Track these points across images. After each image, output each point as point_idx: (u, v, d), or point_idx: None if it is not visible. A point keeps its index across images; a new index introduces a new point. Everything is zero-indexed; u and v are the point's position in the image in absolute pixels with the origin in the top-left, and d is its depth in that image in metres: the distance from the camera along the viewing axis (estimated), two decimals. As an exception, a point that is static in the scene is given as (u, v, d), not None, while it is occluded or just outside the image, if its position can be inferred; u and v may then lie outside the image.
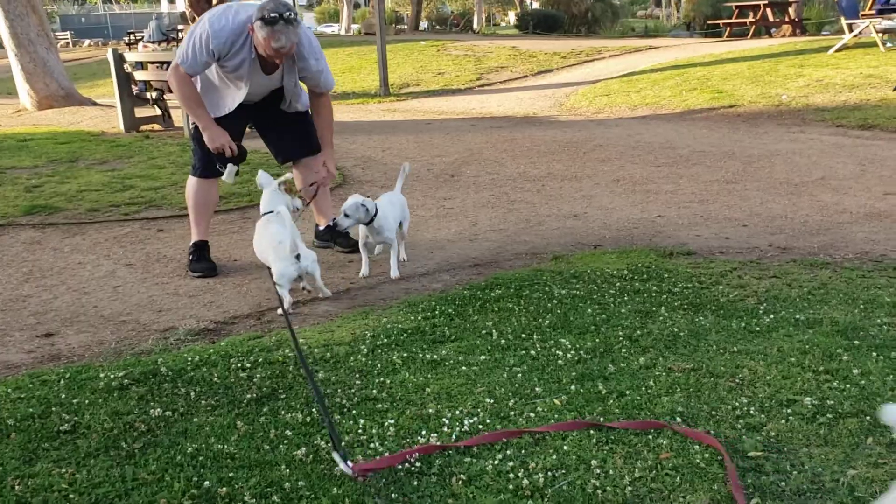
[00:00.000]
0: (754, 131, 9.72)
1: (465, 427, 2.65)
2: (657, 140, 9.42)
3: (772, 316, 3.61)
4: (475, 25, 42.84)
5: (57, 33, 46.65)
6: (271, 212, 4.30)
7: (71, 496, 2.28)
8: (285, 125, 4.91)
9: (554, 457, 2.41)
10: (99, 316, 4.15)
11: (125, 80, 11.54)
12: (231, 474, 2.39)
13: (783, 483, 2.25)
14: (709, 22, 26.91)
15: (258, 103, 4.81)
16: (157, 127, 11.85)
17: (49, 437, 2.66)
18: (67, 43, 43.27)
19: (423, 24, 41.98)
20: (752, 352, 3.20)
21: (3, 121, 13.76)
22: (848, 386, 2.85)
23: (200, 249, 4.88)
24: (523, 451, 2.46)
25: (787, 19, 22.54)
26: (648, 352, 3.26)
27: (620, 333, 3.46)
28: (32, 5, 14.83)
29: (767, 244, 4.99)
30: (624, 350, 3.28)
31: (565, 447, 2.47)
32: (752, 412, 2.70)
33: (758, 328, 3.47)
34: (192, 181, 4.90)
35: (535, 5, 40.72)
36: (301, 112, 4.89)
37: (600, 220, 5.86)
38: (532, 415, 2.72)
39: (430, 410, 2.78)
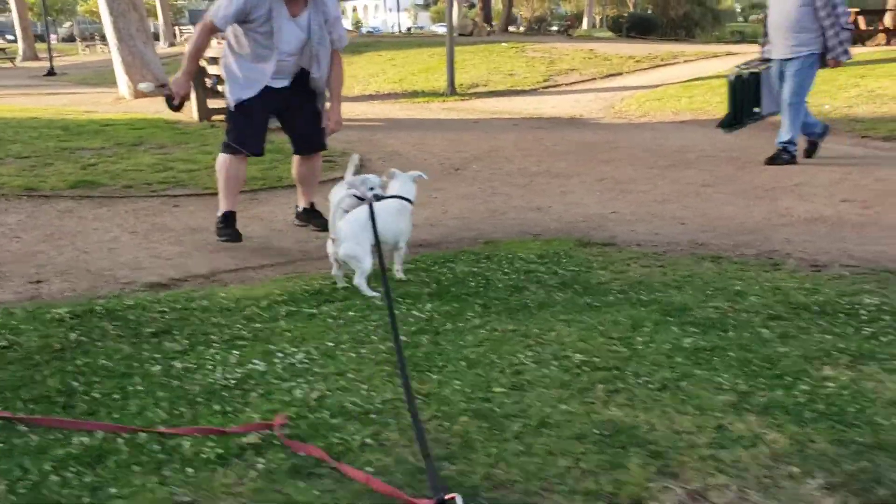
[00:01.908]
0: (757, 140, 9.90)
1: (293, 361, 3.31)
2: (674, 144, 9.76)
3: (620, 296, 4.12)
4: (584, 26, 42.98)
5: (185, 27, 49.62)
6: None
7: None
8: (305, 119, 5.43)
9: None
10: (85, 270, 5.01)
11: (200, 72, 12.66)
12: (96, 381, 3.14)
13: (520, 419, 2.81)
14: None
15: (287, 90, 5.27)
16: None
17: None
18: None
19: (521, 27, 42.41)
20: (575, 321, 3.73)
21: (101, 107, 15.18)
22: (622, 349, 3.36)
23: (228, 218, 5.33)
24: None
25: (881, 28, 21.95)
26: (490, 316, 3.83)
27: (480, 301, 4.04)
28: (133, 3, 16.30)
29: (688, 241, 5.41)
30: (472, 314, 3.87)
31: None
32: (526, 362, 3.26)
33: (598, 304, 3.99)
34: (222, 157, 5.32)
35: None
36: (317, 111, 5.44)
37: (559, 213, 6.38)
38: (344, 357, 3.34)
39: (274, 347, 3.46)
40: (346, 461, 2.48)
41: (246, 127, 5.25)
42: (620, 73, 18.66)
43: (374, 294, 4.09)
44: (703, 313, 3.81)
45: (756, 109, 8.55)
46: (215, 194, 6.94)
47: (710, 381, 3.04)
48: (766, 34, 8.49)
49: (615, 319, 3.72)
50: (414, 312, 3.90)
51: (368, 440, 2.62)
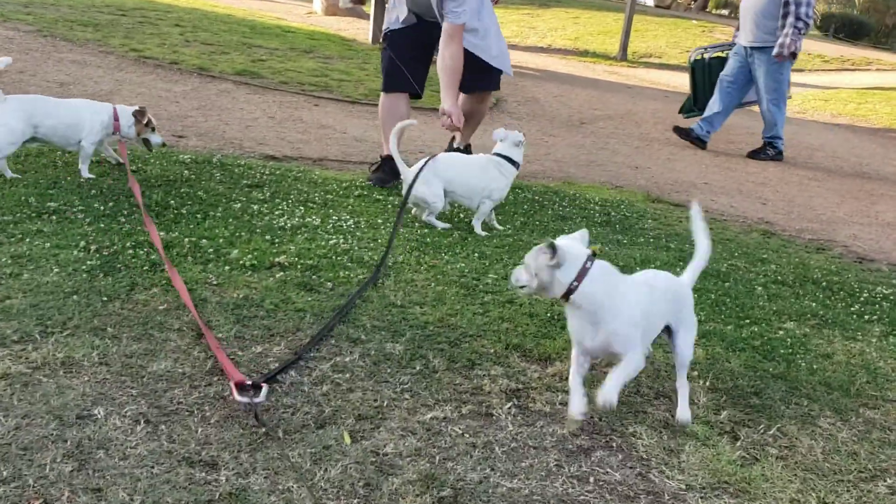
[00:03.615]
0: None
1: (343, 224, 4.01)
2: (808, 142, 9.72)
3: (651, 240, 4.55)
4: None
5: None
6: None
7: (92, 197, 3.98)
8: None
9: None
10: (220, 136, 5.93)
11: (381, -2, 13.53)
12: (188, 203, 3.96)
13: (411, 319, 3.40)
14: None
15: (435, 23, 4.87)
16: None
17: (125, 171, 4.33)
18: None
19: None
20: (593, 247, 4.22)
21: (291, 17, 16.43)
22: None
23: (384, 163, 5.02)
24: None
25: None
26: (524, 231, 4.39)
27: (522, 220, 4.60)
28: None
29: (758, 217, 5.69)
30: (509, 227, 4.44)
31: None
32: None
33: (625, 241, 4.45)
34: (381, 97, 5.15)
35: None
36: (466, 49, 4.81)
37: (652, 174, 6.74)
38: (383, 230, 4.01)
39: (333, 213, 4.18)
40: (342, 290, 3.15)
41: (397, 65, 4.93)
42: (802, 70, 18.02)
43: (446, 226, 4.25)
44: (715, 266, 4.19)
45: None
46: (354, 102, 7.78)
47: (675, 307, 3.46)
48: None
49: (630, 254, 4.17)
50: (465, 214, 4.49)
51: (367, 280, 3.28)
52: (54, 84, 6.46)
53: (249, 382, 2.26)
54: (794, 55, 7.64)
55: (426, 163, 4.20)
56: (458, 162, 4.34)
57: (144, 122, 4.27)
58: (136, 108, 4.29)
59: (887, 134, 11.31)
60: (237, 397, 2.20)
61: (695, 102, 8.46)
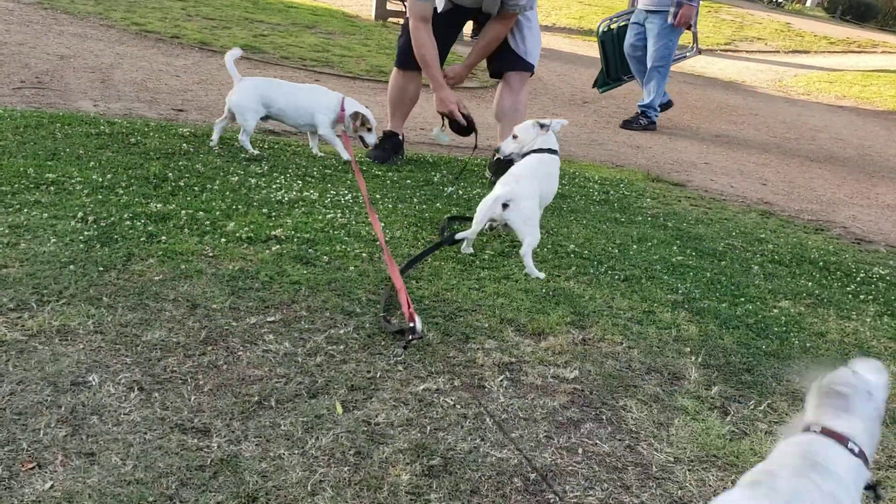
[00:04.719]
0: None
1: (341, 199, 4.02)
2: (813, 123, 9.68)
3: (649, 218, 4.55)
4: (807, 2, 40.57)
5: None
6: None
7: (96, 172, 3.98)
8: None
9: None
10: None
11: (386, -26, 13.47)
12: (186, 175, 3.97)
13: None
14: None
15: (474, 10, 4.78)
16: (401, 21, 13.71)
17: (124, 144, 4.35)
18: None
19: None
20: (591, 226, 4.22)
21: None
22: (615, 251, 3.85)
23: (386, 139, 4.96)
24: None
25: None
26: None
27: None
28: None
29: (758, 198, 5.69)
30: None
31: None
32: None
33: (623, 220, 4.45)
34: (392, 72, 5.03)
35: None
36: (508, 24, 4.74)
37: (654, 154, 6.73)
38: (381, 205, 4.01)
39: (332, 187, 4.18)
40: (338, 264, 3.16)
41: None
42: (808, 52, 17.98)
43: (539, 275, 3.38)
44: (712, 245, 4.20)
45: None
46: (354, 78, 7.76)
47: (670, 285, 3.48)
48: None
49: (627, 232, 4.18)
50: (463, 191, 4.50)
51: (363, 254, 3.29)
52: (54, 57, 6.44)
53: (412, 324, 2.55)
54: (687, 25, 7.50)
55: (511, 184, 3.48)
56: (533, 172, 3.67)
57: (359, 122, 4.60)
58: (354, 111, 4.61)
59: (891, 116, 11.28)
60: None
61: (608, 75, 8.30)
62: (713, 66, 14.75)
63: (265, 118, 4.64)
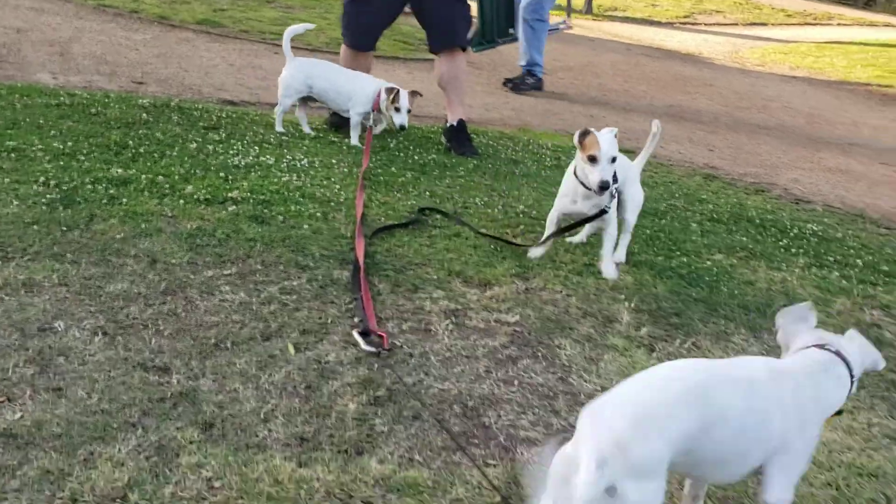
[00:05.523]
0: (849, 103, 9.90)
1: (296, 163, 4.15)
2: (765, 93, 9.94)
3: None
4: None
5: None
6: None
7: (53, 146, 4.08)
8: (438, 5, 5.00)
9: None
10: (179, 82, 5.99)
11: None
12: (146, 143, 4.08)
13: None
14: None
15: None
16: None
17: (84, 114, 4.44)
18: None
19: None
20: (541, 188, 4.40)
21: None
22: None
23: (332, 116, 5.15)
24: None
25: None
26: (476, 173, 4.55)
27: (475, 162, 4.76)
28: None
29: (704, 163, 5.90)
30: (462, 169, 4.60)
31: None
32: (477, 203, 3.98)
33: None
34: (342, 48, 5.32)
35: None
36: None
37: (608, 123, 6.89)
38: (336, 169, 4.15)
39: (288, 152, 4.31)
40: (292, 223, 3.31)
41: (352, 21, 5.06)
42: (766, 24, 18.27)
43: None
44: (654, 205, 4.40)
45: (511, 30, 7.63)
46: (314, 50, 7.83)
47: (611, 240, 3.67)
48: None
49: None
50: (419, 156, 4.65)
51: (318, 214, 3.44)
52: (11, 30, 6.46)
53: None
54: None
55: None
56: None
57: (391, 98, 4.60)
58: (390, 87, 4.66)
59: (842, 86, 11.58)
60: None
61: (483, 35, 8.12)
62: (672, 38, 14.97)
63: (305, 99, 4.88)
